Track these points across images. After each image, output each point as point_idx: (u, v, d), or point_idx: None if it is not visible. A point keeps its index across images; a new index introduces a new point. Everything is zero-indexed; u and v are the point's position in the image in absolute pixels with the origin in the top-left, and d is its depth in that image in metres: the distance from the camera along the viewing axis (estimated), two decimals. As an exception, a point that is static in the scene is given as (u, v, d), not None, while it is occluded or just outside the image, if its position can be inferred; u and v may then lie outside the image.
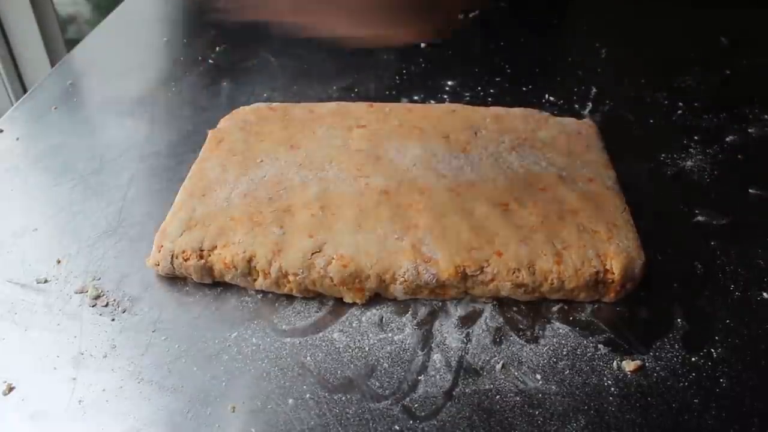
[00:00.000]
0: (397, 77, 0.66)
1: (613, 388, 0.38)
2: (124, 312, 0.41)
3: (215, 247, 0.42)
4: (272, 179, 0.47)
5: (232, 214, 0.44)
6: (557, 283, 0.41)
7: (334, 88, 0.64)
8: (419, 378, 0.38)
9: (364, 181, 0.47)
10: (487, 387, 0.37)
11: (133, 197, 0.50)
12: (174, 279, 0.43)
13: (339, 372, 0.38)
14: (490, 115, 0.55)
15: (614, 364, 0.39)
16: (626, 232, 0.44)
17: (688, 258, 0.46)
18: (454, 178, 0.48)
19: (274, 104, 0.56)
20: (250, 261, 0.41)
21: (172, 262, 0.42)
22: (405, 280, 0.41)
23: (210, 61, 0.68)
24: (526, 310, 0.42)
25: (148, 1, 0.84)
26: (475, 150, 0.51)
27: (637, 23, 0.81)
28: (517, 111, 0.56)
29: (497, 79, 0.67)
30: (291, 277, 0.41)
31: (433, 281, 0.41)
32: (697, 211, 0.50)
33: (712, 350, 0.40)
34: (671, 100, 0.64)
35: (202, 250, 0.42)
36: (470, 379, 0.38)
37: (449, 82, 0.66)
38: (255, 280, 0.42)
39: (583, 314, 0.42)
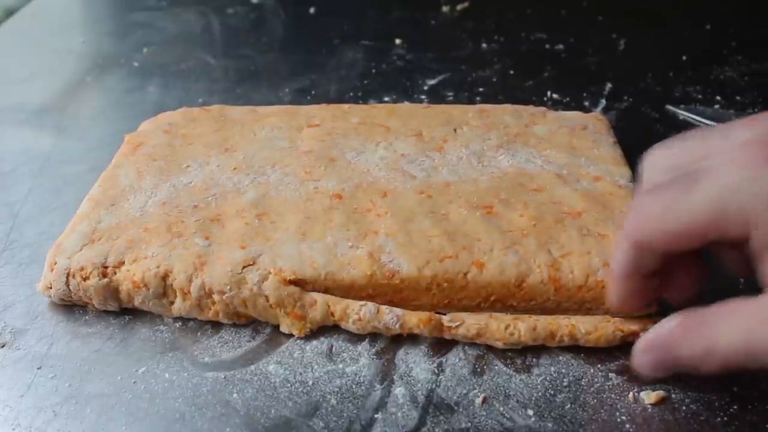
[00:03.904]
0: (364, 78, 0.72)
1: (628, 425, 0.38)
2: (2, 347, 0.43)
3: (122, 263, 0.44)
4: (199, 185, 0.50)
5: (146, 224, 0.47)
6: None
7: (286, 90, 0.70)
8: (376, 416, 0.39)
9: (312, 185, 0.50)
10: (463, 425, 0.38)
11: (26, 215, 0.53)
12: (70, 307, 0.46)
13: (273, 411, 0.39)
14: (474, 111, 0.60)
15: (630, 396, 0.40)
16: (642, 237, 0.46)
17: (727, 270, 0.49)
18: (425, 180, 0.51)
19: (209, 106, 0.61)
20: (165, 278, 0.43)
21: (67, 283, 0.44)
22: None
23: (135, 63, 0.74)
24: (516, 334, 0.44)
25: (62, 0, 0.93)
26: (454, 149, 0.54)
27: (663, 9, 0.88)
28: (508, 106, 0.61)
29: (488, 75, 0.73)
30: (216, 297, 0.43)
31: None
32: (738, 218, 0.53)
33: (759, 377, 0.41)
34: (706, 95, 0.70)
35: (105, 267, 0.44)
36: (441, 417, 0.39)
37: (429, 82, 0.72)
38: (172, 303, 0.44)
39: (589, 338, 0.44)
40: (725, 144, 0.36)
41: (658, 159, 0.40)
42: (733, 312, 0.34)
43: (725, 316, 0.34)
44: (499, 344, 0.42)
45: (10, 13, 0.87)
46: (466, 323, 0.42)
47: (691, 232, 0.35)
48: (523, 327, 0.42)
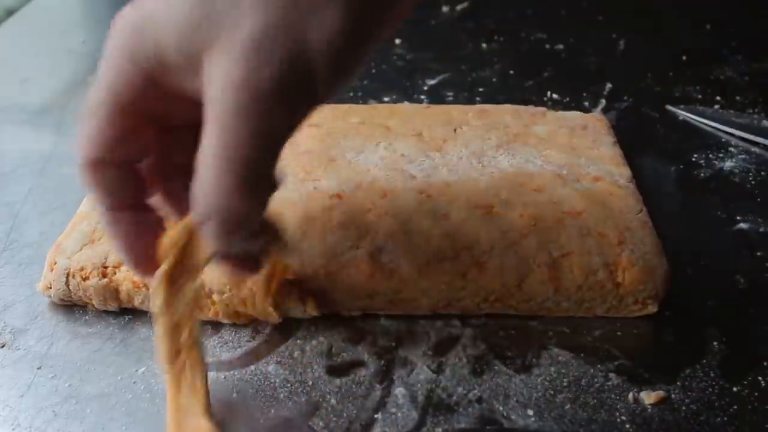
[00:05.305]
0: (364, 78, 0.72)
1: (628, 425, 0.39)
2: (2, 347, 0.43)
3: (122, 263, 0.44)
4: (199, 186, 0.51)
5: (145, 224, 0.47)
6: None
7: (287, 90, 0.70)
8: (376, 416, 0.39)
9: (312, 184, 0.50)
10: (463, 425, 0.38)
11: (27, 215, 0.53)
12: (70, 307, 0.46)
13: (273, 411, 0.39)
14: (474, 111, 0.59)
15: (630, 396, 0.40)
16: (643, 236, 0.46)
17: (728, 271, 0.49)
18: (425, 180, 0.51)
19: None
20: (164, 278, 0.44)
21: (67, 283, 0.44)
22: (359, 297, 0.43)
23: (135, 63, 0.74)
24: (515, 334, 0.44)
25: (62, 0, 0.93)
26: (454, 149, 0.54)
27: (663, 10, 0.89)
28: (508, 106, 0.61)
29: (488, 75, 0.73)
30: (216, 297, 0.43)
31: None
32: (738, 218, 0.53)
33: (759, 378, 0.41)
34: (706, 95, 0.70)
35: (105, 267, 0.44)
36: (441, 417, 0.39)
37: (429, 82, 0.72)
38: (171, 303, 0.44)
39: (589, 338, 0.44)
40: None
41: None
42: None
43: None
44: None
45: (10, 13, 0.87)
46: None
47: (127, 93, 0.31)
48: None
